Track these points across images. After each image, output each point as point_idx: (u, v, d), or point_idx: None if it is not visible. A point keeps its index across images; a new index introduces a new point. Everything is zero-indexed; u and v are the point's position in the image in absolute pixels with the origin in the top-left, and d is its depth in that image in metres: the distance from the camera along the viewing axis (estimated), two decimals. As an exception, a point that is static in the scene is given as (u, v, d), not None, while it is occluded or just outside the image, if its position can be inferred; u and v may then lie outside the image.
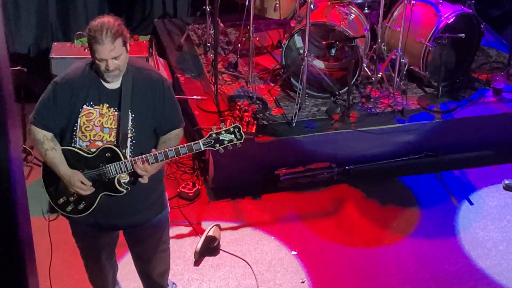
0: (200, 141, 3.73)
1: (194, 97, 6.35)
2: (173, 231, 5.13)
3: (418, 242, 5.47)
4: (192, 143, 3.72)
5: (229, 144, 3.74)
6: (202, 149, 3.74)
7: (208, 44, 7.01)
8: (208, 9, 6.94)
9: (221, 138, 3.73)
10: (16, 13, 7.16)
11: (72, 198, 3.89)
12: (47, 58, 6.53)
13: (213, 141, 3.74)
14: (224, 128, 3.72)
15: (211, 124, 5.78)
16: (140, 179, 3.79)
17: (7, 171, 1.95)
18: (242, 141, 3.74)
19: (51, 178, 3.90)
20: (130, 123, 3.80)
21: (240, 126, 3.73)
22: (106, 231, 4.10)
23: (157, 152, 3.75)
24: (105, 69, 3.69)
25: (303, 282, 5.07)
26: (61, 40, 7.19)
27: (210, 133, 3.74)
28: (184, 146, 3.73)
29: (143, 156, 3.76)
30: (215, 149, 3.74)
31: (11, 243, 2.22)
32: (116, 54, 3.66)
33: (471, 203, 5.88)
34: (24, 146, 5.98)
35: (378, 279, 5.12)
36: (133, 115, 3.81)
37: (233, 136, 3.74)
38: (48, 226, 4.02)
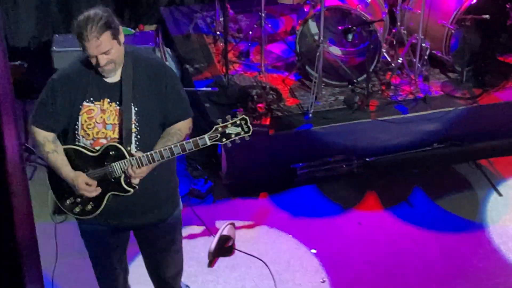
0: (205, 135, 3.64)
1: (204, 88, 6.30)
2: (185, 230, 5.07)
3: (444, 237, 5.42)
4: (197, 138, 3.65)
5: (236, 137, 3.65)
6: (209, 143, 3.65)
7: (218, 33, 7.00)
8: (217, -5, 6.96)
9: (227, 131, 3.64)
10: (15, 5, 7.17)
11: (79, 199, 3.83)
12: (48, 51, 6.55)
13: (219, 135, 3.64)
14: (230, 121, 3.64)
15: (223, 117, 5.67)
16: (133, 182, 3.74)
17: (4, 170, 1.79)
18: (250, 134, 3.66)
19: (56, 179, 3.83)
20: (133, 117, 3.72)
21: (247, 118, 3.65)
22: (116, 231, 4.05)
23: (162, 149, 3.66)
24: (97, 65, 3.63)
25: (323, 281, 5.03)
26: (63, 32, 7.17)
27: (215, 126, 3.65)
28: (190, 142, 3.65)
29: (148, 153, 3.67)
30: (222, 143, 3.66)
31: (8, 245, 2.08)
32: (104, 49, 3.58)
33: (500, 194, 5.81)
34: (26, 145, 5.87)
35: (403, 277, 5.08)
36: (136, 109, 3.73)
37: (240, 129, 3.65)
38: (54, 228, 4.03)
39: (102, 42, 3.54)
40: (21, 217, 2.24)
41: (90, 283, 4.53)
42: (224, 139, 3.63)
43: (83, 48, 3.58)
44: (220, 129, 3.62)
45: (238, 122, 3.63)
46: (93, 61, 3.60)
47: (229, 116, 3.66)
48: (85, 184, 3.72)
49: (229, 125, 3.62)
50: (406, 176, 6.02)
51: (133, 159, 3.66)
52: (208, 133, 3.63)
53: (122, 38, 3.65)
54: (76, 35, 3.57)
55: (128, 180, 3.74)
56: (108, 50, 3.57)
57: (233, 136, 3.63)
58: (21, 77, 5.84)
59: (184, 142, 3.64)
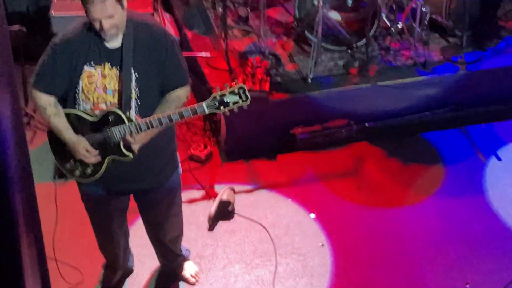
0: (203, 103, 3.63)
1: (203, 54, 6.28)
2: (185, 195, 5.07)
3: (443, 201, 5.43)
4: (195, 105, 3.64)
5: (234, 106, 3.63)
6: (207, 112, 3.65)
7: None
8: (217, -42, 6.82)
9: (225, 100, 3.62)
10: None
11: (79, 163, 3.84)
12: (47, 16, 6.45)
13: (217, 103, 3.63)
14: (228, 90, 3.62)
15: (222, 82, 5.66)
16: (132, 147, 3.74)
17: None
18: (248, 102, 3.63)
19: (57, 142, 3.84)
20: (133, 83, 3.71)
21: (245, 87, 3.62)
22: (116, 195, 4.07)
23: (160, 116, 3.65)
24: (100, 29, 3.59)
25: (322, 245, 5.05)
26: None
27: (213, 95, 3.63)
28: (188, 109, 3.64)
29: (147, 119, 3.66)
30: (220, 111, 3.65)
31: (5, 207, 2.07)
32: (108, 13, 3.55)
33: (499, 159, 5.81)
34: (26, 110, 5.83)
35: (402, 242, 5.08)
36: (136, 75, 3.72)
37: (238, 97, 3.63)
38: (55, 191, 4.02)
39: (107, 5, 3.51)
40: (18, 181, 2.22)
41: (91, 247, 4.58)
42: (222, 108, 3.62)
43: (86, 11, 3.55)
44: (218, 97, 3.61)
45: (236, 90, 3.61)
46: (97, 25, 3.56)
47: (227, 84, 3.65)
48: (85, 150, 3.73)
49: (227, 94, 3.61)
50: (405, 140, 5.98)
51: (132, 125, 3.66)
52: (206, 101, 3.61)
53: (125, 2, 3.63)
54: None
55: (128, 145, 3.74)
56: (112, 14, 3.54)
57: (231, 104, 3.62)
58: (20, 41, 5.76)
59: (182, 110, 3.63)
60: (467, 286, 4.67)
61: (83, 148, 3.72)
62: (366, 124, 5.99)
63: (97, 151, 3.75)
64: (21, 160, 2.30)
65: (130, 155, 3.75)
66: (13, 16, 6.63)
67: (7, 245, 2.04)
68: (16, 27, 5.86)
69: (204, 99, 3.65)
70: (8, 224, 2.08)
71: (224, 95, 3.61)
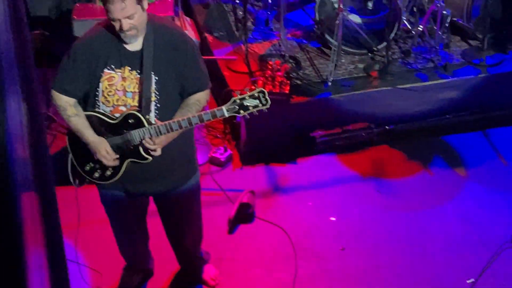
0: (223, 107, 3.64)
1: (223, 57, 6.28)
2: (205, 198, 5.00)
3: (465, 204, 5.39)
4: (215, 109, 3.65)
5: (254, 109, 3.64)
6: (226, 115, 3.66)
7: (237, 1, 6.92)
8: (236, -37, 6.86)
9: (245, 103, 3.64)
10: None
11: (98, 165, 3.86)
12: (69, 20, 6.45)
13: (237, 107, 3.64)
14: (248, 93, 3.63)
15: (242, 85, 5.70)
16: (152, 152, 3.74)
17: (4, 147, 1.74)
18: (268, 106, 3.65)
19: (76, 144, 3.86)
20: (153, 86, 3.72)
21: (265, 90, 3.63)
22: (136, 197, 4.08)
23: (180, 119, 3.66)
24: (120, 29, 3.61)
25: (343, 249, 5.02)
26: (83, 0, 7.05)
27: (233, 98, 3.64)
28: (208, 113, 3.65)
29: (167, 122, 3.67)
30: (239, 115, 3.66)
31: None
32: (128, 13, 3.57)
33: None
34: (48, 113, 5.87)
35: (423, 245, 5.05)
36: (156, 78, 3.73)
37: (258, 101, 3.64)
38: (76, 194, 3.99)
39: (127, 5, 3.52)
40: (32, 184, 2.21)
41: (112, 249, 4.57)
42: (242, 111, 3.63)
43: (106, 11, 3.57)
44: (238, 101, 3.62)
45: (256, 94, 3.63)
46: (116, 25, 3.58)
47: (247, 88, 3.66)
48: (106, 151, 3.75)
49: (247, 97, 3.62)
50: (426, 144, 5.96)
51: (151, 128, 3.67)
52: (226, 104, 3.62)
53: (145, 4, 3.64)
54: None
55: (147, 148, 3.75)
56: (132, 15, 3.56)
57: (251, 108, 3.63)
58: (42, 45, 5.81)
59: (202, 113, 3.64)
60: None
61: (104, 149, 3.74)
62: (387, 127, 5.96)
63: (116, 155, 3.76)
64: (38, 163, 2.30)
65: (149, 158, 3.76)
66: (36, 21, 6.70)
67: (11, 251, 2.04)
68: (38, 31, 5.90)
69: (224, 102, 3.66)
70: (13, 229, 2.08)
71: (244, 98, 3.62)
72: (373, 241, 5.06)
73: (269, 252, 4.98)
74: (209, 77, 3.96)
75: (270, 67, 5.82)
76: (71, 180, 3.95)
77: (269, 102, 3.64)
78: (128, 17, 3.56)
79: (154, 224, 4.78)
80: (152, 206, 4.25)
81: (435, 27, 6.13)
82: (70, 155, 3.92)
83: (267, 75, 5.79)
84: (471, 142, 5.95)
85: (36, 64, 2.58)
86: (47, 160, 2.49)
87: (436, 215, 5.28)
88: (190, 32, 6.68)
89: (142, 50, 3.70)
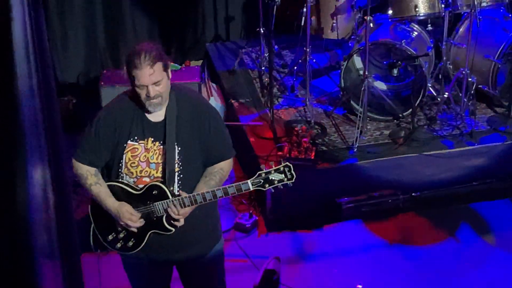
0: (248, 181, 3.66)
1: (249, 123, 6.31)
2: (230, 265, 5.00)
3: (492, 272, 5.30)
4: (240, 183, 3.66)
5: (279, 184, 3.66)
6: (251, 189, 3.67)
7: (263, 68, 6.99)
8: (262, 31, 6.92)
9: (270, 177, 3.66)
10: (63, 40, 7.20)
11: (121, 235, 3.83)
12: (96, 87, 6.53)
13: (262, 181, 3.66)
14: (274, 168, 3.65)
15: (268, 151, 5.68)
16: (175, 223, 3.72)
17: (26, 213, 1.74)
18: (293, 180, 3.66)
19: (99, 213, 3.83)
20: (176, 156, 3.70)
21: (291, 165, 3.65)
22: (158, 265, 4.03)
23: (205, 191, 3.66)
24: (146, 97, 3.59)
25: None
26: (111, 67, 7.21)
27: (259, 172, 3.66)
28: (233, 186, 3.66)
29: (191, 195, 3.67)
30: (264, 189, 3.67)
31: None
32: (156, 79, 3.56)
33: None
34: (75, 179, 5.86)
35: None
36: (179, 148, 3.71)
37: (283, 175, 3.66)
38: (98, 260, 4.02)
39: (155, 71, 3.53)
40: (58, 253, 2.19)
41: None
42: (267, 185, 3.65)
43: (133, 78, 3.55)
44: (263, 175, 3.64)
45: (282, 169, 3.64)
46: (143, 92, 3.57)
47: (273, 162, 3.68)
48: (130, 214, 3.70)
49: (272, 172, 3.63)
50: (453, 211, 5.91)
51: (175, 200, 3.65)
52: (251, 178, 3.64)
53: (170, 73, 3.66)
54: (127, 64, 3.55)
55: (170, 220, 3.72)
56: (159, 81, 3.55)
57: (276, 182, 3.64)
58: (70, 112, 5.88)
59: (227, 186, 3.64)
60: None
61: (127, 211, 3.70)
62: (413, 194, 5.93)
63: (140, 215, 3.72)
64: (63, 231, 2.28)
65: (172, 229, 3.73)
66: (64, 87, 6.79)
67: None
68: (66, 97, 5.98)
69: (249, 167, 3.66)
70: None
71: (270, 172, 3.63)
72: (400, 309, 4.99)
73: (295, 320, 4.91)
74: (235, 143, 3.96)
75: (295, 133, 5.86)
76: (92, 248, 3.92)
77: (294, 176, 3.64)
78: (156, 84, 3.55)
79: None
80: (175, 273, 4.19)
81: (460, 94, 6.15)
82: (92, 225, 3.89)
83: (292, 141, 5.83)
84: (499, 210, 5.89)
85: (64, 130, 2.60)
86: (73, 227, 2.47)
87: (463, 283, 5.20)
88: (216, 98, 6.74)
89: (164, 120, 3.69)
